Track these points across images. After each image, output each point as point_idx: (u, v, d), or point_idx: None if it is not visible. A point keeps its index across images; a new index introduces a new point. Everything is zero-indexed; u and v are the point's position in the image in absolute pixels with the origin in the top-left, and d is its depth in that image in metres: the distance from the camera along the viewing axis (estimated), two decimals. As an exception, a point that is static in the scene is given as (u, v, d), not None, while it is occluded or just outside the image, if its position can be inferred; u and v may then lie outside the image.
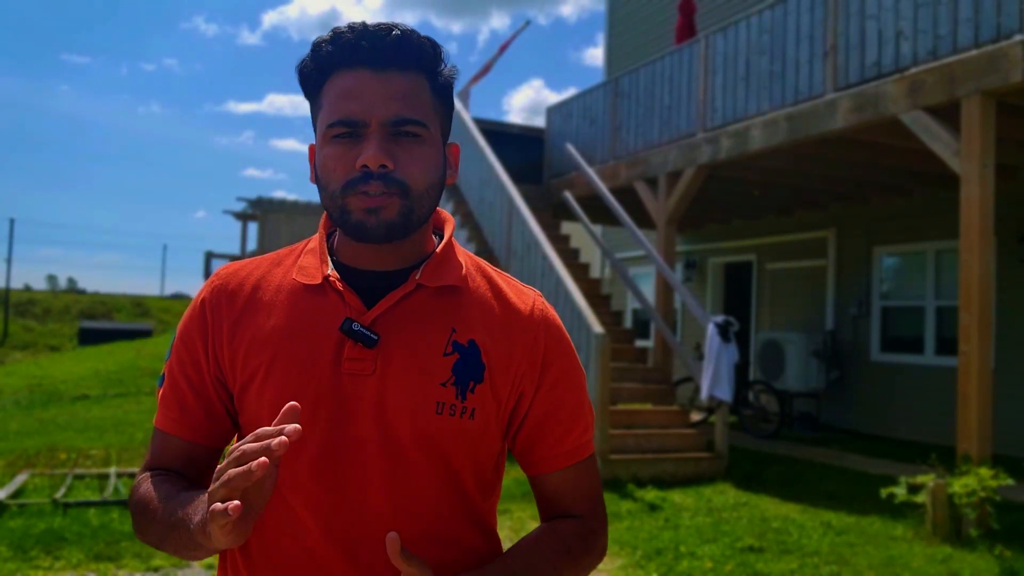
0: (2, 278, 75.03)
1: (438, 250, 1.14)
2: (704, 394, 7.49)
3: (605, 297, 9.79)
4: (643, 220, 10.00)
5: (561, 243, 10.28)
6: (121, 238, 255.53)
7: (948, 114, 6.15)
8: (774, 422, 9.86)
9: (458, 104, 9.74)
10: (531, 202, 9.44)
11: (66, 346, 31.34)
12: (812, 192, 10.18)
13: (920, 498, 5.41)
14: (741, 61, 8.30)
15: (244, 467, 0.83)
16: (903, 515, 5.60)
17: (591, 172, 9.70)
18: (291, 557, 1.04)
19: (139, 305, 42.07)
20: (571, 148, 10.46)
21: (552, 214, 11.14)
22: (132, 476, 6.46)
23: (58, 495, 5.53)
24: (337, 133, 1.04)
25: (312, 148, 1.11)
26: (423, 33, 1.08)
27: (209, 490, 0.88)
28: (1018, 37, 5.67)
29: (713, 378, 7.31)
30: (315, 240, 1.16)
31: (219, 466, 0.88)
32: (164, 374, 1.16)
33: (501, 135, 11.53)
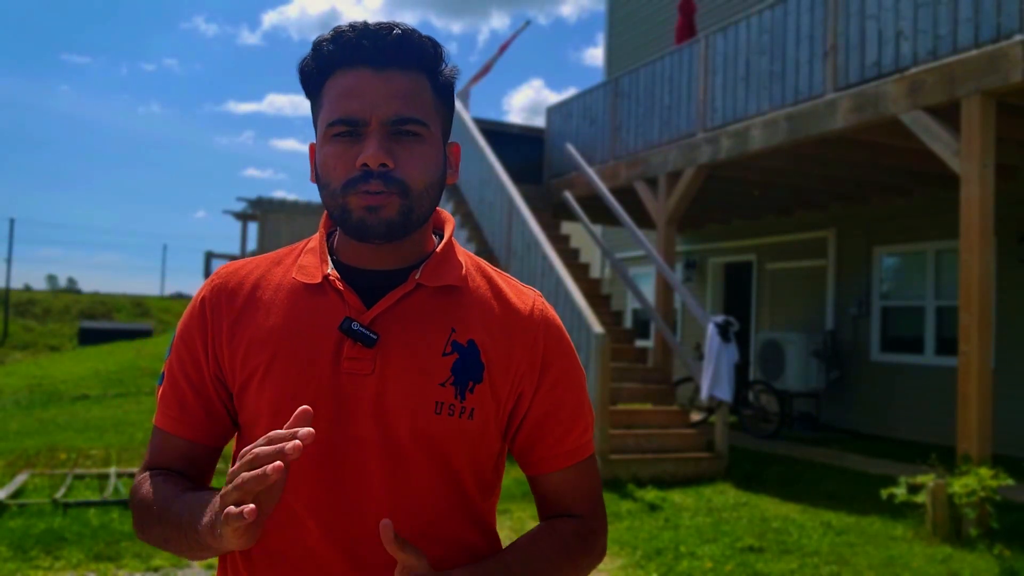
0: (2, 278, 75.06)
1: (438, 250, 1.14)
2: (704, 394, 7.49)
3: (605, 297, 9.79)
4: (643, 220, 10.00)
5: (561, 243, 10.28)
6: (121, 238, 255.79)
7: (948, 114, 6.15)
8: (774, 422, 9.86)
9: (458, 104, 9.75)
10: (531, 202, 9.44)
11: (66, 346, 31.34)
12: (812, 192, 10.18)
13: (920, 498, 5.41)
14: (741, 61, 8.30)
15: (259, 471, 0.83)
16: (903, 515, 5.60)
17: (591, 172, 9.70)
18: (291, 557, 1.04)
19: (139, 305, 42.07)
20: (571, 148, 10.46)
21: (552, 214, 11.14)
22: (132, 476, 6.46)
23: (58, 495, 5.53)
24: (337, 132, 1.04)
25: (312, 147, 1.11)
26: (424, 33, 1.08)
27: (221, 492, 0.88)
28: (1018, 37, 5.67)
29: (713, 378, 7.31)
30: (315, 239, 1.16)
31: (231, 468, 0.88)
32: (164, 373, 1.16)
33: (501, 135, 11.53)
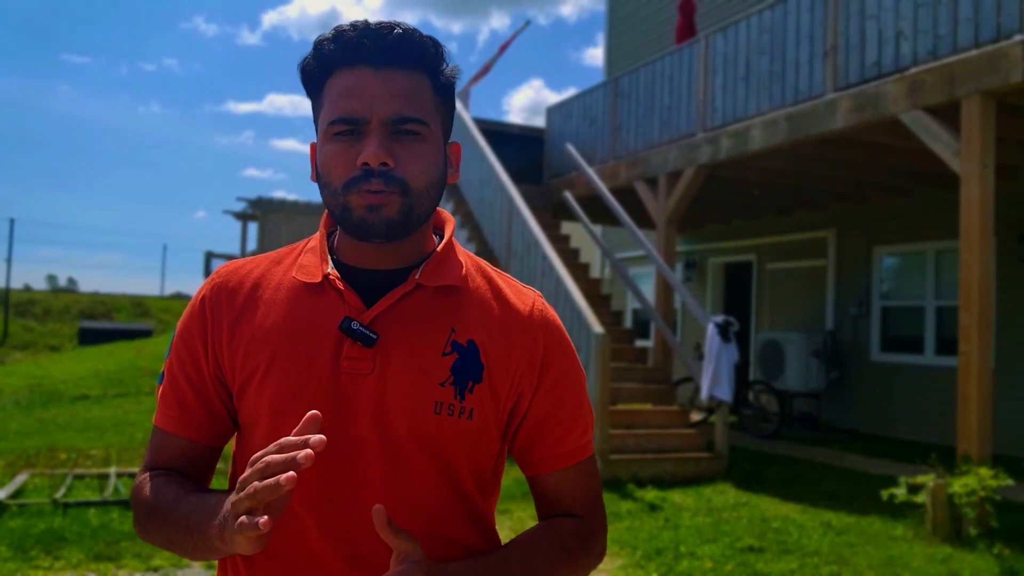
0: (2, 278, 75.04)
1: (438, 249, 1.14)
2: (704, 394, 7.49)
3: (605, 297, 9.79)
4: (643, 220, 10.00)
5: (561, 243, 10.28)
6: (121, 238, 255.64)
7: (948, 114, 6.15)
8: (774, 422, 9.86)
9: (458, 104, 9.75)
10: (531, 202, 9.44)
11: (66, 346, 31.33)
12: (812, 192, 10.18)
13: (920, 498, 5.41)
14: (741, 61, 8.30)
15: (272, 481, 0.84)
16: (903, 515, 5.60)
17: (591, 172, 9.70)
18: (291, 556, 1.04)
19: (139, 305, 42.06)
20: (571, 148, 10.46)
21: (552, 214, 11.15)
22: (132, 476, 6.46)
23: (58, 495, 5.53)
24: (338, 131, 1.04)
25: (313, 146, 1.11)
26: (425, 33, 1.08)
27: (233, 500, 0.88)
28: (1018, 37, 5.67)
29: (713, 378, 7.31)
30: (316, 239, 1.16)
31: (242, 476, 0.89)
32: (164, 372, 1.16)
33: (501, 135, 11.53)
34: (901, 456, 8.36)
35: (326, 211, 1.17)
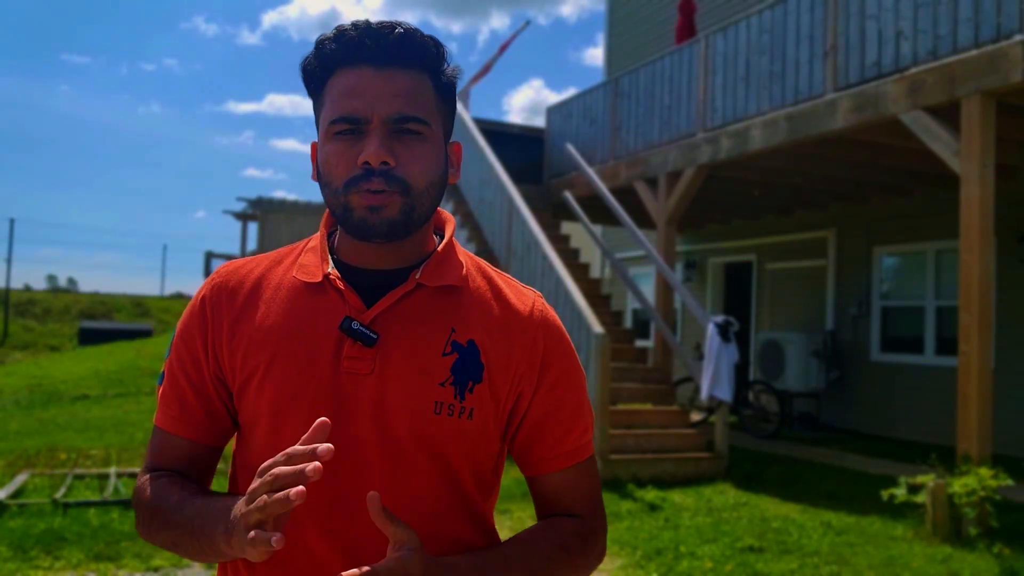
0: (2, 278, 75.05)
1: (439, 249, 1.14)
2: (704, 394, 7.49)
3: (605, 297, 9.79)
4: (643, 220, 10.00)
5: (561, 243, 10.28)
6: (121, 238, 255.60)
7: (948, 114, 6.15)
8: (774, 422, 9.86)
9: (458, 104, 9.75)
10: (531, 202, 9.44)
11: (66, 346, 31.33)
12: (812, 192, 10.18)
13: (920, 498, 5.41)
14: (741, 61, 8.30)
15: (282, 496, 0.84)
16: (903, 515, 5.60)
17: (591, 172, 9.70)
18: (290, 556, 1.04)
19: (139, 305, 42.06)
20: (571, 148, 10.46)
21: (552, 214, 11.14)
22: (132, 476, 6.46)
23: (58, 495, 5.53)
24: (339, 130, 1.04)
25: (314, 145, 1.11)
26: (426, 33, 1.09)
27: (243, 511, 0.89)
28: (1018, 37, 5.67)
29: (713, 378, 7.31)
30: (316, 239, 1.16)
31: (252, 487, 0.89)
32: (164, 372, 1.16)
33: (501, 135, 11.53)
34: (901, 456, 8.36)
35: (327, 211, 1.17)
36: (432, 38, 1.08)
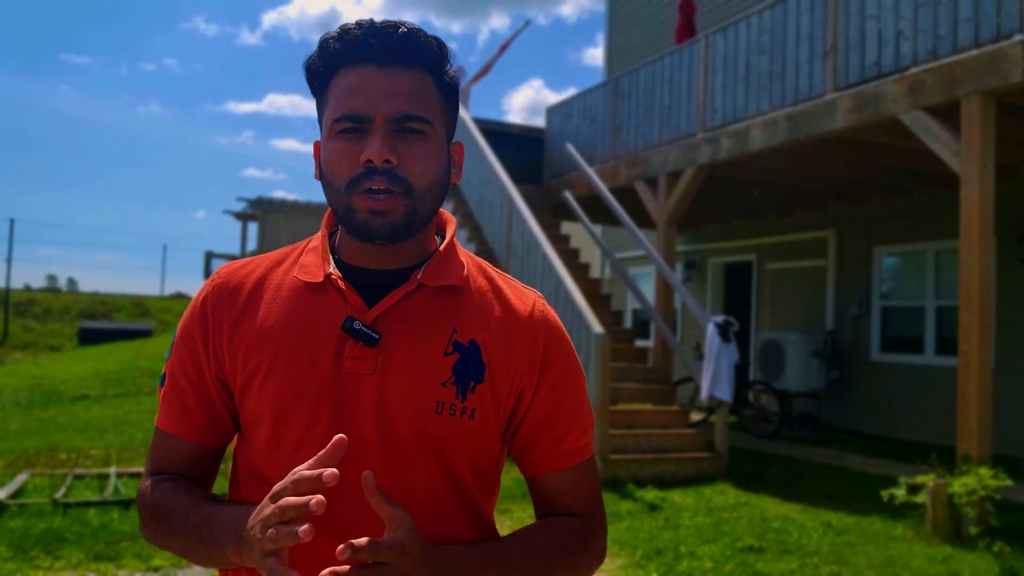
0: (2, 278, 75.03)
1: (440, 249, 1.14)
2: (704, 394, 7.49)
3: (605, 297, 9.79)
4: (643, 220, 10.00)
5: (561, 243, 10.28)
6: (121, 238, 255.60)
7: (948, 114, 6.15)
8: (774, 422, 9.86)
9: (458, 104, 9.75)
10: (531, 202, 9.44)
11: (66, 346, 31.33)
12: (812, 192, 10.18)
13: (920, 498, 5.41)
14: (741, 61, 8.30)
15: (291, 532, 0.86)
16: (903, 515, 5.60)
17: (591, 172, 9.70)
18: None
19: (139, 305, 42.05)
20: (571, 148, 10.46)
21: (552, 214, 11.14)
22: (132, 476, 6.46)
23: (58, 495, 5.53)
24: (342, 128, 1.04)
25: (317, 144, 1.11)
26: (429, 33, 1.09)
27: (258, 539, 0.90)
28: (1018, 37, 5.67)
29: (713, 378, 7.31)
30: (317, 239, 1.16)
31: (264, 514, 0.90)
32: (165, 374, 1.16)
33: (501, 135, 11.53)
34: (901, 456, 8.36)
35: (328, 210, 1.17)
36: (435, 38, 1.08)
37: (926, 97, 6.23)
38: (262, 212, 19.51)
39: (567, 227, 11.45)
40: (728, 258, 12.97)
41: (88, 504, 5.36)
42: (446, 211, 1.21)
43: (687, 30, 10.28)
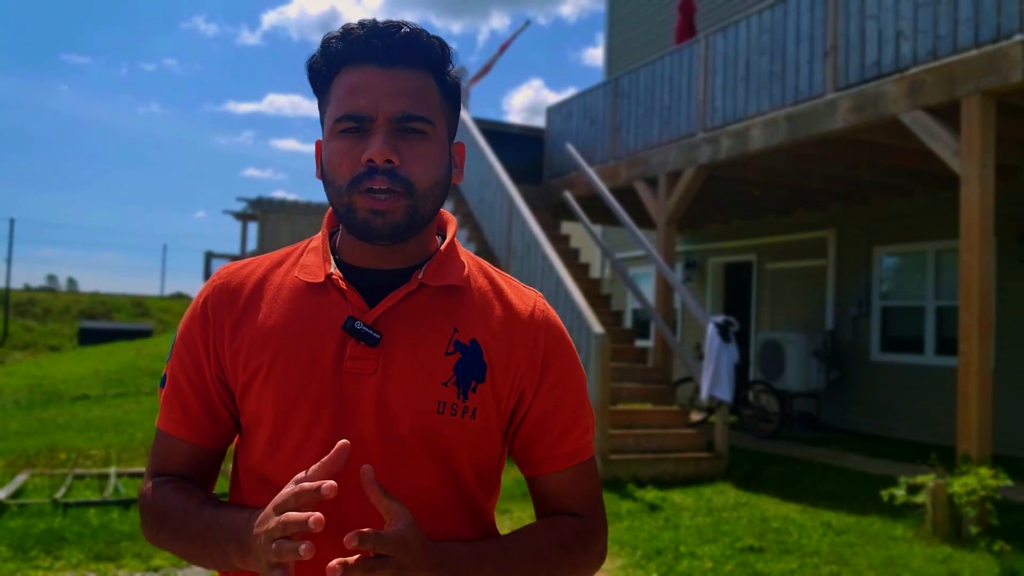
0: (2, 278, 75.05)
1: (441, 249, 1.14)
2: (704, 394, 7.49)
3: (605, 297, 9.79)
4: (643, 220, 10.00)
5: (561, 243, 10.28)
6: (121, 238, 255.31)
7: (948, 114, 6.15)
8: (774, 422, 9.86)
9: (458, 104, 9.75)
10: (531, 202, 9.44)
11: (66, 346, 31.32)
12: (812, 192, 10.18)
13: (920, 498, 5.41)
14: (741, 61, 8.30)
15: (294, 548, 0.87)
16: (903, 515, 5.60)
17: (591, 172, 9.70)
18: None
19: (139, 305, 42.04)
20: (571, 148, 10.46)
21: (552, 214, 11.14)
22: (132, 476, 6.46)
23: (58, 495, 5.53)
24: (344, 128, 1.04)
25: (319, 143, 1.12)
26: (432, 33, 1.09)
27: (264, 550, 0.91)
28: (1018, 37, 5.67)
29: (713, 378, 7.31)
30: (318, 239, 1.16)
31: (268, 527, 0.91)
32: (165, 375, 1.16)
33: (501, 135, 11.53)
34: (901, 456, 8.36)
35: (329, 210, 1.17)
36: (438, 38, 1.08)
37: (926, 97, 6.23)
38: (262, 212, 19.51)
39: (567, 227, 11.45)
40: (728, 258, 12.97)
41: (88, 504, 5.36)
42: (447, 211, 1.22)
43: (687, 30, 10.28)
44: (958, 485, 5.22)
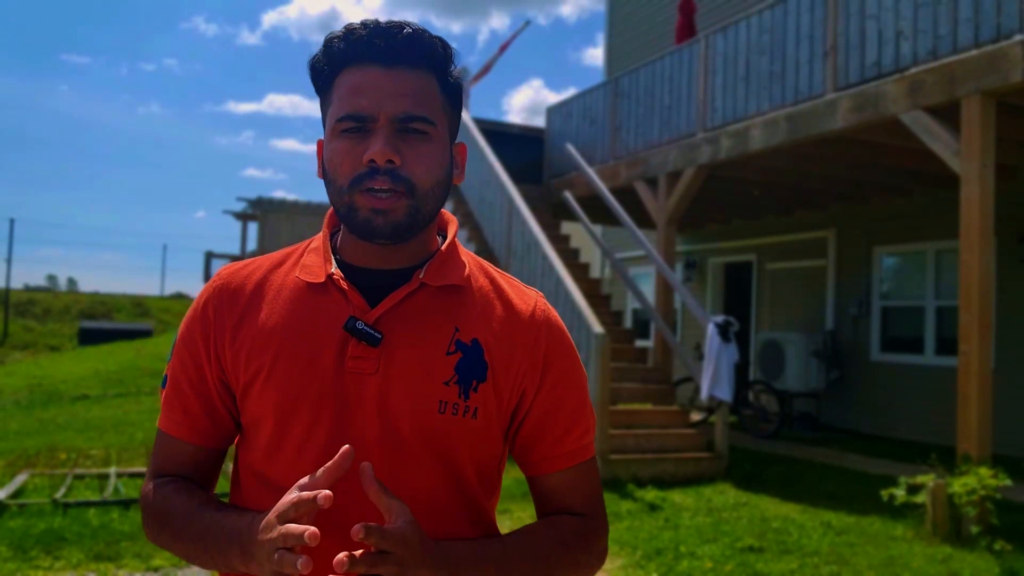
0: (2, 278, 75.05)
1: (442, 249, 1.14)
2: (704, 394, 7.49)
3: (605, 297, 9.79)
4: (643, 220, 10.00)
5: (561, 243, 10.29)
6: (121, 238, 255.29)
7: (948, 114, 6.15)
8: (774, 422, 9.86)
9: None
10: (531, 202, 9.44)
11: (66, 346, 31.32)
12: (812, 192, 10.18)
13: (920, 498, 5.41)
14: (741, 61, 8.30)
15: (292, 561, 0.89)
16: (903, 515, 5.60)
17: (591, 172, 9.70)
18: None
19: (139, 305, 42.03)
20: (571, 148, 10.47)
21: (552, 214, 11.14)
22: (132, 476, 6.46)
23: (58, 495, 5.53)
24: (346, 127, 1.05)
25: (321, 143, 1.12)
26: (434, 33, 1.09)
27: (267, 556, 0.93)
28: (1018, 37, 5.67)
29: (713, 378, 7.31)
30: (318, 239, 1.16)
31: (269, 536, 0.92)
32: (166, 376, 1.16)
33: (501, 135, 11.53)
34: (901, 456, 8.36)
35: (330, 210, 1.17)
36: (440, 39, 1.08)
37: (926, 97, 6.23)
38: (262, 212, 19.50)
39: (567, 227, 11.45)
40: (728, 258, 12.97)
41: (88, 504, 5.36)
42: (447, 211, 1.22)
43: (687, 30, 10.28)
44: (958, 485, 5.22)
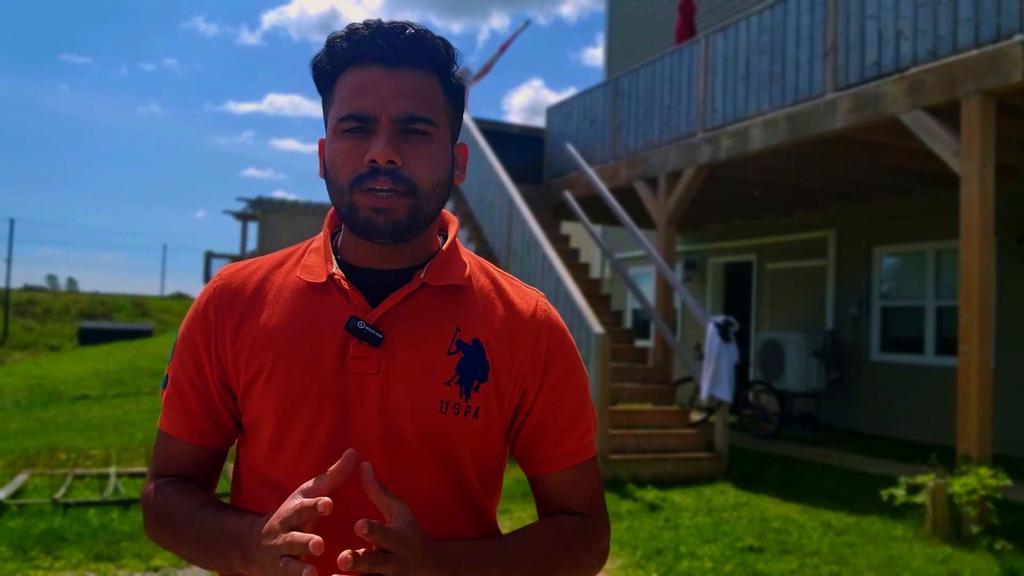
0: (2, 278, 75.05)
1: (443, 249, 1.14)
2: (704, 394, 7.49)
3: (605, 297, 9.79)
4: (643, 220, 10.00)
5: (561, 243, 10.29)
6: (121, 238, 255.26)
7: (948, 114, 6.15)
8: (774, 422, 9.86)
9: (458, 104, 9.75)
10: (531, 202, 9.45)
11: (66, 346, 31.32)
12: (812, 192, 10.18)
13: (920, 498, 5.41)
14: (741, 61, 8.30)
15: (297, 569, 0.89)
16: (903, 515, 5.60)
17: (591, 172, 9.70)
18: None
19: (139, 305, 42.03)
20: (571, 148, 10.47)
21: (552, 214, 11.15)
22: (132, 476, 6.46)
23: (58, 495, 5.53)
24: (347, 127, 1.05)
25: (322, 142, 1.12)
26: (437, 34, 1.09)
27: (272, 562, 0.93)
28: (1018, 37, 5.68)
29: (713, 378, 7.31)
30: (319, 239, 1.16)
31: (273, 542, 0.92)
32: (167, 376, 1.16)
33: (501, 135, 11.53)
34: (901, 456, 8.36)
35: (331, 210, 1.17)
36: (442, 39, 1.08)
37: (926, 97, 6.23)
38: (262, 212, 19.50)
39: (567, 227, 11.45)
40: (728, 258, 12.98)
41: (88, 504, 5.36)
42: (449, 212, 1.22)
43: (687, 30, 10.28)
44: (958, 485, 5.22)
